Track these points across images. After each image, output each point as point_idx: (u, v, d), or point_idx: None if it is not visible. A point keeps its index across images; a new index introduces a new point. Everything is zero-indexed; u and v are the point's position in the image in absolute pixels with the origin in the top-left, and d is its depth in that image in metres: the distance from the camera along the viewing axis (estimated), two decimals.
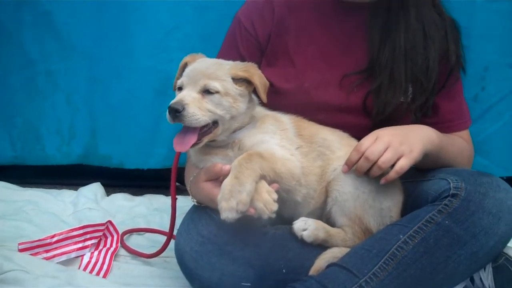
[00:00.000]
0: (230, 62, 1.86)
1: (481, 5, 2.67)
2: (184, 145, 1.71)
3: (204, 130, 1.74)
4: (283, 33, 2.09)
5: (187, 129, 1.73)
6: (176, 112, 1.67)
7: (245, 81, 1.81)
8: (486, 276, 1.86)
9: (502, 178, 1.86)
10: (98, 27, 2.85)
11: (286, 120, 1.92)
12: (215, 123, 1.76)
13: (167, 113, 1.69)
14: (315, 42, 2.08)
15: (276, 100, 1.96)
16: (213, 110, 1.73)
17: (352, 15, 2.06)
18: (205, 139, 1.75)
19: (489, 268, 1.86)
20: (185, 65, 1.86)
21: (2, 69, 2.92)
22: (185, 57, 1.89)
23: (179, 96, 1.73)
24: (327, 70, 2.05)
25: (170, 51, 2.84)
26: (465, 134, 2.15)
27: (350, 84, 2.02)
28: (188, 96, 1.72)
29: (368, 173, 1.77)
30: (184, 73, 1.80)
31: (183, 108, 1.67)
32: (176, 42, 2.84)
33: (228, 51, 2.13)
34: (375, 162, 1.74)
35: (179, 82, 1.80)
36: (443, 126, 2.06)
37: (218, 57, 2.14)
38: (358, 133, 1.96)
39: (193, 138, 1.71)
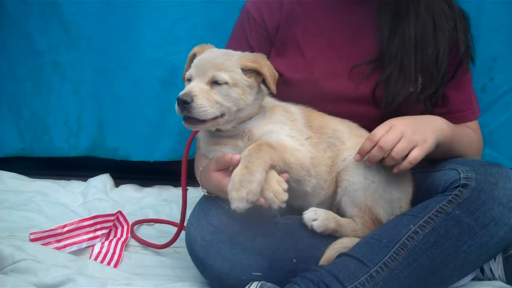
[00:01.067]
0: (239, 53, 1.85)
1: None
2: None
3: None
4: (292, 24, 2.09)
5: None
6: (185, 104, 1.67)
7: (254, 72, 1.80)
8: (496, 266, 1.87)
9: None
10: (104, 18, 2.84)
11: (296, 110, 1.92)
12: (222, 115, 1.76)
13: (176, 104, 1.69)
14: (324, 32, 2.07)
15: (286, 91, 1.96)
16: (221, 102, 1.74)
17: (361, 5, 2.06)
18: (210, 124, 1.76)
19: (499, 258, 1.86)
20: (194, 56, 1.86)
21: (10, 60, 2.91)
22: (194, 48, 1.89)
23: (188, 87, 1.73)
24: (337, 60, 2.04)
25: (176, 42, 2.83)
26: (474, 124, 2.15)
27: (359, 74, 2.02)
28: (197, 87, 1.72)
29: (380, 163, 1.76)
30: (193, 64, 1.80)
31: (192, 100, 1.68)
32: (182, 33, 2.83)
33: (237, 42, 2.13)
34: (389, 152, 1.73)
35: (187, 74, 1.80)
36: (453, 116, 2.05)
37: (227, 47, 2.14)
38: (367, 124, 1.96)
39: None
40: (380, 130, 1.76)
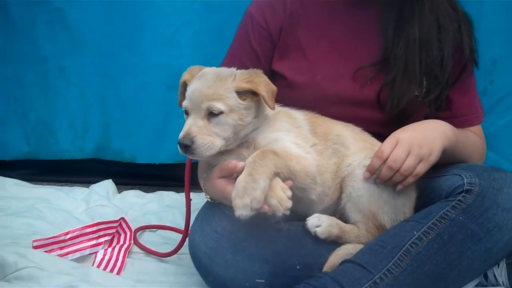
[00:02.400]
0: (232, 72, 1.79)
1: None
2: None
3: None
4: (295, 26, 2.08)
5: None
6: (186, 147, 1.67)
7: (250, 92, 1.75)
8: (500, 272, 1.86)
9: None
10: (109, 24, 2.89)
11: (300, 116, 1.91)
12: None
13: (178, 146, 1.69)
14: (328, 35, 2.07)
15: (289, 93, 1.96)
16: (220, 133, 1.72)
17: (364, 7, 2.05)
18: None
19: (503, 264, 1.86)
20: (185, 83, 1.81)
21: (16, 66, 2.96)
22: (183, 75, 1.83)
23: (186, 127, 1.70)
24: (340, 63, 2.04)
25: (180, 47, 2.88)
26: (477, 129, 2.15)
27: (363, 77, 2.01)
28: (194, 126, 1.70)
29: (389, 180, 1.77)
30: (187, 96, 1.75)
31: (192, 142, 1.67)
32: (185, 38, 2.87)
33: (240, 45, 2.13)
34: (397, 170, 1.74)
35: (184, 104, 1.76)
36: (457, 120, 2.05)
37: (230, 51, 2.16)
38: (371, 127, 1.97)
39: None
40: (387, 147, 1.76)
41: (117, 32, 2.89)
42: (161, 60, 2.89)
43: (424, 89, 2.01)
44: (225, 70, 1.80)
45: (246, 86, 1.73)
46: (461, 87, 2.08)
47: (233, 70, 1.81)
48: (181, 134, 1.69)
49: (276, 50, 2.11)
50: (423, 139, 1.78)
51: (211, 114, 1.71)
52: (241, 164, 1.68)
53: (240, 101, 1.74)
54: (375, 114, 2.02)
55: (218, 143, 1.71)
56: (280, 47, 2.10)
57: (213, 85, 1.73)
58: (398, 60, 1.98)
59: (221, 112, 1.71)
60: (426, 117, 2.01)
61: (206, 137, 1.69)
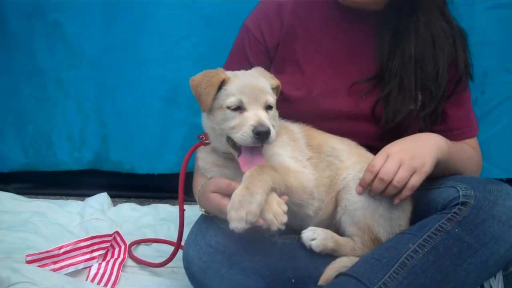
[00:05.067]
0: (260, 70, 1.87)
1: (480, 12, 2.74)
2: (253, 165, 1.68)
3: None
4: (292, 41, 2.09)
5: (252, 149, 1.70)
6: (267, 134, 1.65)
7: (274, 89, 1.83)
8: (497, 284, 1.85)
9: (501, 179, 1.87)
10: (107, 37, 2.91)
11: (296, 129, 1.92)
12: None
13: (254, 137, 1.64)
14: (324, 50, 2.08)
15: (285, 108, 1.95)
16: (275, 125, 1.75)
17: (360, 23, 2.06)
18: None
19: (499, 276, 1.85)
20: (222, 83, 1.75)
21: (14, 78, 2.97)
22: (218, 74, 1.75)
23: (258, 118, 1.67)
24: (336, 78, 2.05)
25: (179, 61, 2.90)
26: (473, 141, 2.15)
27: (359, 92, 2.02)
28: (264, 117, 1.69)
29: (383, 193, 1.77)
30: (239, 90, 1.72)
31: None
32: (184, 52, 2.89)
33: (237, 59, 2.13)
34: (390, 182, 1.74)
35: (235, 101, 1.71)
36: (451, 133, 2.05)
37: (227, 64, 2.16)
38: (367, 141, 1.97)
39: (262, 158, 1.70)
40: (378, 161, 1.77)
41: (116, 45, 2.91)
42: (160, 73, 2.91)
43: (419, 104, 2.02)
44: (254, 71, 1.87)
45: (276, 83, 1.84)
46: (456, 101, 2.09)
47: (260, 69, 1.89)
48: (258, 123, 1.66)
49: (272, 64, 2.12)
50: (414, 151, 1.78)
51: (268, 108, 1.74)
52: (234, 184, 1.67)
53: (275, 96, 1.81)
54: (370, 128, 2.03)
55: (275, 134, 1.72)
56: (277, 62, 2.11)
57: (261, 81, 1.78)
58: (393, 76, 1.99)
59: (273, 106, 1.77)
60: (421, 131, 2.01)
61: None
